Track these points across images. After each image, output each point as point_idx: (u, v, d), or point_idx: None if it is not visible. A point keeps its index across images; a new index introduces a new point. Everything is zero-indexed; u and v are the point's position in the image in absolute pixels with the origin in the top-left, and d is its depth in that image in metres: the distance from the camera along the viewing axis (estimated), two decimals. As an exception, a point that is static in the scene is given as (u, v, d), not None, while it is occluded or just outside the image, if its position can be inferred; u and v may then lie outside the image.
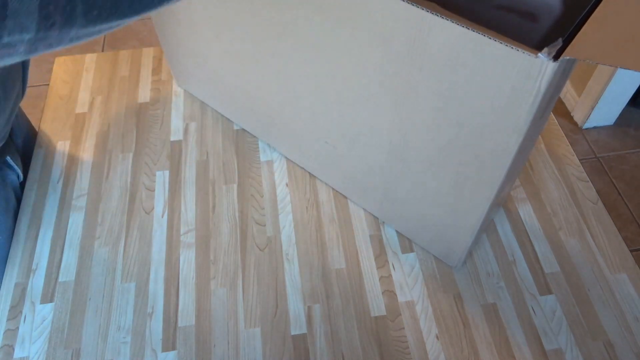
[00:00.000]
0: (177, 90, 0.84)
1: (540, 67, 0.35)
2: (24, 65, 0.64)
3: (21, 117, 0.80)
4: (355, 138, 0.59)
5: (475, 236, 0.58)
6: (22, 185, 0.74)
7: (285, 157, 0.76)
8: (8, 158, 0.68)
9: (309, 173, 0.74)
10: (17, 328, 0.61)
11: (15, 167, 0.70)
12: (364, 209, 0.70)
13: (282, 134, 0.71)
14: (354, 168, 0.64)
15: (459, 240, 0.60)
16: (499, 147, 0.44)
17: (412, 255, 0.66)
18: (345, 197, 0.71)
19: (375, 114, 0.53)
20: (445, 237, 0.61)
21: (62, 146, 0.78)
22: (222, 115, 0.81)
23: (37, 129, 0.81)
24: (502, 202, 0.70)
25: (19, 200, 0.72)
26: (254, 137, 0.78)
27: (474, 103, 0.42)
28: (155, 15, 0.71)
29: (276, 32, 0.54)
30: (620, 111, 1.73)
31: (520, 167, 0.60)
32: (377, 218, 0.70)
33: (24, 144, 0.78)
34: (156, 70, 0.87)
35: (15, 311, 0.63)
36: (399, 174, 0.58)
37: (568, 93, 1.80)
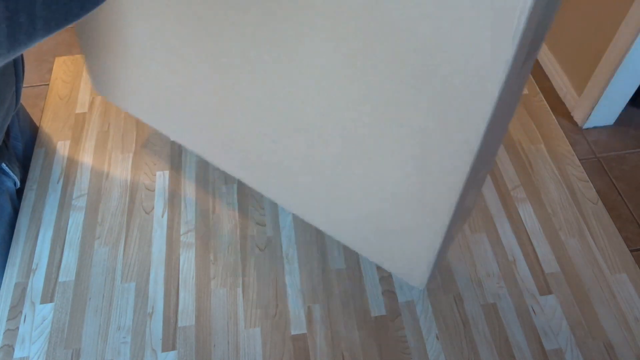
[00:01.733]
0: (177, 90, 0.84)
1: None
2: (17, 77, 0.64)
3: (24, 120, 0.80)
4: (304, 129, 0.51)
5: (440, 247, 0.50)
6: (19, 192, 0.73)
7: (237, 180, 0.71)
8: (3, 165, 0.68)
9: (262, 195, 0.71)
10: (17, 328, 0.61)
11: (11, 173, 0.70)
12: (311, 225, 0.65)
13: (224, 144, 0.62)
14: (298, 173, 0.56)
15: (422, 253, 0.52)
16: (473, 103, 0.36)
17: (412, 255, 0.66)
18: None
19: (329, 98, 0.46)
20: (406, 251, 0.54)
21: (62, 146, 0.78)
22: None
23: (39, 122, 0.81)
24: (466, 216, 0.61)
25: (15, 207, 0.71)
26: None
27: (442, 53, 0.35)
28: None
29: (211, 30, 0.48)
30: (620, 111, 1.73)
31: (491, 158, 0.50)
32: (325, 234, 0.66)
33: (26, 149, 0.78)
34: (156, 70, 0.87)
35: (15, 311, 0.63)
36: (353, 167, 0.50)
37: (568, 93, 1.80)
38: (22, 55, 0.65)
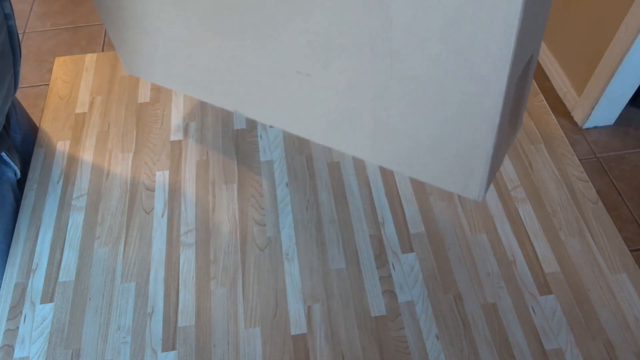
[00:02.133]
0: (177, 90, 0.84)
1: None
2: (15, 60, 0.64)
3: (21, 115, 0.80)
4: (329, 55, 0.50)
5: (494, 144, 0.49)
6: (20, 183, 0.74)
7: (267, 129, 0.70)
8: (3, 154, 0.68)
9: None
10: (17, 328, 0.61)
11: (12, 163, 0.70)
12: (358, 159, 0.64)
13: (251, 83, 0.62)
14: (336, 97, 0.55)
15: (475, 158, 0.51)
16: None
17: (412, 255, 0.66)
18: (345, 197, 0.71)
19: (345, 15, 0.45)
20: (459, 162, 0.52)
21: (62, 146, 0.78)
22: (222, 115, 0.81)
23: (38, 122, 0.81)
24: (516, 122, 0.57)
25: (17, 198, 0.72)
26: (254, 136, 0.78)
27: None
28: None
29: None
30: (620, 111, 1.73)
31: (539, 36, 0.48)
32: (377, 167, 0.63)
33: (24, 142, 0.78)
34: (156, 70, 0.87)
35: (15, 311, 0.63)
36: (389, 87, 0.49)
37: (568, 93, 1.80)
38: (18, 38, 0.64)
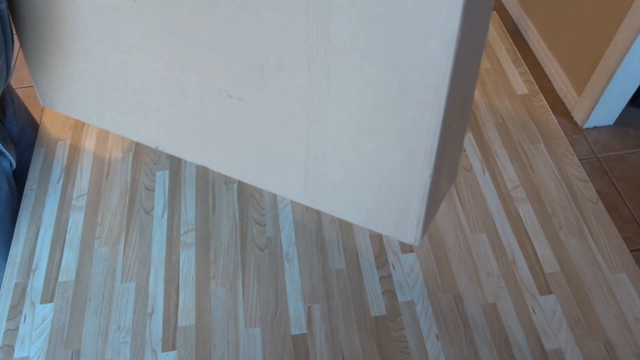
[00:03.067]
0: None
1: None
2: (6, 45, 0.63)
3: (19, 107, 0.80)
4: (265, 75, 0.47)
5: (429, 190, 0.47)
6: (16, 174, 0.74)
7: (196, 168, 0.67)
8: None
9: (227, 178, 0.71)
10: (17, 328, 0.61)
11: (7, 153, 0.70)
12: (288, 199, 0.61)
13: (176, 113, 0.57)
14: (270, 123, 0.51)
15: (408, 199, 0.48)
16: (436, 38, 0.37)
17: (412, 255, 0.66)
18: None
19: (284, 33, 0.44)
20: (391, 202, 0.50)
21: (62, 146, 0.78)
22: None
23: (38, 122, 0.81)
24: (454, 168, 0.55)
25: (12, 188, 0.72)
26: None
27: None
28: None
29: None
30: (620, 111, 1.73)
31: (472, 80, 0.47)
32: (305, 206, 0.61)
33: (21, 134, 0.78)
34: (156, 70, 0.87)
35: (15, 311, 0.63)
36: (326, 110, 0.47)
37: (568, 93, 1.80)
38: (10, 25, 0.63)
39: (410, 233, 0.51)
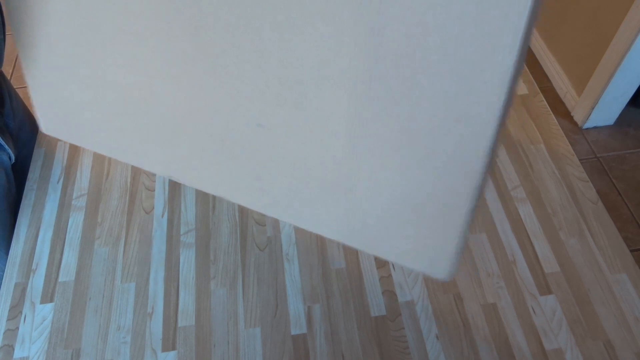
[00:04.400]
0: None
1: None
2: None
3: (17, 103, 0.80)
4: (305, 91, 0.42)
5: (464, 234, 0.44)
6: (15, 169, 0.74)
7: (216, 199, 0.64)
8: None
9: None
10: (17, 328, 0.61)
11: (6, 146, 0.70)
12: (324, 237, 0.59)
13: (198, 150, 0.52)
14: (305, 158, 0.46)
15: (445, 240, 0.46)
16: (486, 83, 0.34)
17: (412, 255, 0.66)
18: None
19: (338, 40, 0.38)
20: (429, 241, 0.47)
21: (62, 146, 0.78)
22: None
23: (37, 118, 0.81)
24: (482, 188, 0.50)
25: (10, 181, 0.72)
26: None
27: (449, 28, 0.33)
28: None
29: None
30: (620, 111, 1.73)
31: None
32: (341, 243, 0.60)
33: (20, 129, 0.78)
34: (156, 70, 0.87)
35: (15, 311, 0.63)
36: (368, 129, 0.42)
37: (568, 93, 1.80)
38: (2, 13, 0.63)
39: (444, 269, 0.49)
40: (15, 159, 0.74)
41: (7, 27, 0.59)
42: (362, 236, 0.50)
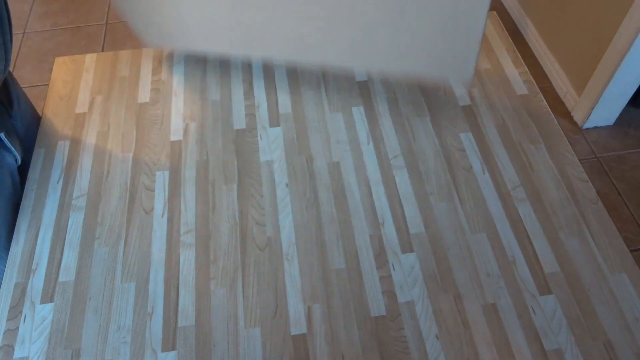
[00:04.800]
0: (176, 90, 0.84)
1: None
2: (2, 29, 0.62)
3: (25, 105, 0.80)
4: None
5: (479, 44, 0.57)
6: (21, 171, 0.74)
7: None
8: (4, 138, 0.68)
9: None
10: (17, 328, 0.61)
11: (12, 148, 0.70)
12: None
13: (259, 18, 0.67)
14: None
15: (467, 37, 0.59)
16: None
17: (412, 255, 0.66)
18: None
19: None
20: (449, 47, 0.59)
21: (62, 146, 0.78)
22: (222, 115, 0.81)
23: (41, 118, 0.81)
24: None
25: (15, 184, 0.72)
26: (254, 136, 0.78)
27: None
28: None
29: None
30: (620, 111, 1.73)
31: None
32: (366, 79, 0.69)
33: (27, 131, 0.78)
34: (156, 70, 0.87)
35: (15, 311, 0.63)
36: None
37: (568, 93, 1.80)
38: (7, 8, 0.62)
39: (468, 71, 0.63)
40: (22, 160, 0.74)
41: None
42: (408, 59, 0.65)
